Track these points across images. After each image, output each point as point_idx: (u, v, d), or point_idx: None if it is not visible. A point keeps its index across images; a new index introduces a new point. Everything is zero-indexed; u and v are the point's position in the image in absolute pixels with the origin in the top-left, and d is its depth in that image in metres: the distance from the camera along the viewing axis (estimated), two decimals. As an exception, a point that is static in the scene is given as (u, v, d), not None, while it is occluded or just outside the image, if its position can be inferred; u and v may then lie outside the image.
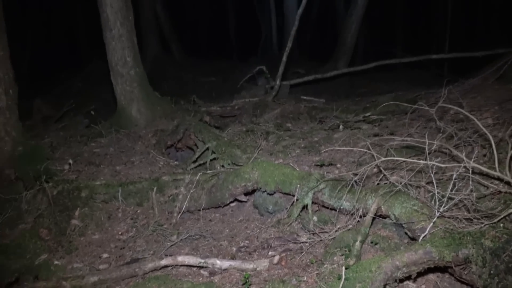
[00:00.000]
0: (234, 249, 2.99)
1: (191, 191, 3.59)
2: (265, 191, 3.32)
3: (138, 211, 3.56)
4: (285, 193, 3.27)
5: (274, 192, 3.31)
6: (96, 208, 3.52)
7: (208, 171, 3.80)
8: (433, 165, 2.38)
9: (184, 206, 3.54)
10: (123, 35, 4.85)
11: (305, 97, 6.90)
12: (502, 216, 2.09)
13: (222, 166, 3.92)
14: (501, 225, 2.07)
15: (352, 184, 2.85)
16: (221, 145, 4.17)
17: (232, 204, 3.67)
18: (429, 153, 2.94)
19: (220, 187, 3.53)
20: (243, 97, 6.27)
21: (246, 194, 3.52)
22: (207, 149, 4.21)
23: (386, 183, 2.83)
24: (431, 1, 15.03)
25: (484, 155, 2.84)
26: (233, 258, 2.85)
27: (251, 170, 3.40)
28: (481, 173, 2.42)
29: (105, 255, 3.01)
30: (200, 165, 4.16)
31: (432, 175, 2.37)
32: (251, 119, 5.38)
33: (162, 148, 4.59)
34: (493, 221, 2.09)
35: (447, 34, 9.07)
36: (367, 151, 2.72)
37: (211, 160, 4.07)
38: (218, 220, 3.51)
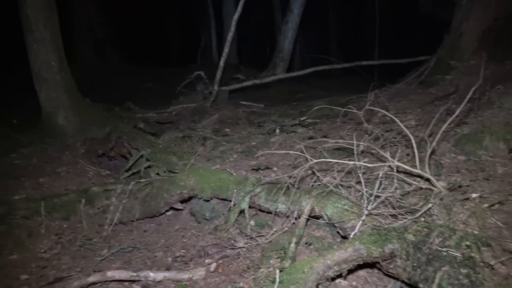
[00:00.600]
0: (170, 259, 2.87)
1: (124, 201, 3.40)
2: (202, 197, 3.24)
3: (64, 225, 3.30)
4: (222, 199, 3.22)
5: (211, 199, 3.25)
6: (15, 225, 3.20)
7: (142, 180, 3.63)
8: (361, 165, 2.48)
9: (116, 218, 3.34)
10: (46, 38, 4.51)
11: (244, 103, 6.93)
12: (422, 211, 2.22)
13: (157, 174, 3.78)
14: (422, 219, 2.20)
15: (288, 187, 2.88)
16: (156, 152, 4.02)
17: (168, 213, 3.54)
18: (358, 154, 3.08)
19: (155, 195, 3.39)
20: (181, 103, 6.14)
21: (182, 201, 3.42)
22: (141, 156, 4.03)
23: (319, 184, 2.90)
24: (361, 12, 15.95)
25: (407, 154, 3.02)
26: (168, 269, 2.73)
27: (187, 177, 3.31)
28: (405, 171, 2.56)
29: (24, 276, 2.74)
30: (134, 173, 3.97)
31: (361, 175, 2.47)
32: (189, 125, 5.27)
33: (92, 157, 4.32)
34: (415, 216, 2.22)
35: (376, 42, 9.66)
36: (301, 154, 2.76)
37: (145, 168, 3.91)
38: (153, 231, 3.36)
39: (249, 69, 11.97)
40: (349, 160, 2.88)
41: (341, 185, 2.61)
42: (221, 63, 5.87)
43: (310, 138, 3.77)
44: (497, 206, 2.20)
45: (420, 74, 4.95)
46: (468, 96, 2.58)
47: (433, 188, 2.37)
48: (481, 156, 2.64)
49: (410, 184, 2.52)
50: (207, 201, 3.27)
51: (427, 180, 2.43)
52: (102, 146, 4.41)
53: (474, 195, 2.29)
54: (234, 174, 3.28)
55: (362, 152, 3.01)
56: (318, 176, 2.87)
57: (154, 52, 15.73)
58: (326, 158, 3.11)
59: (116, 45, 12.47)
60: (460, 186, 2.37)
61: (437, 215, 2.18)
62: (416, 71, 5.10)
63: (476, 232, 2.00)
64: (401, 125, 2.50)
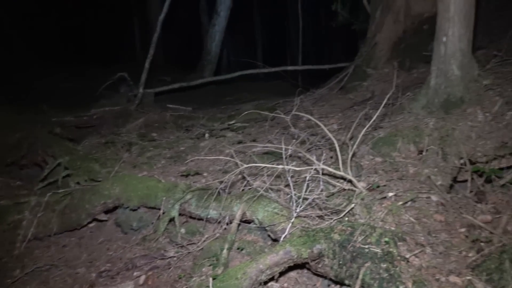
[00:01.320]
0: (94, 275, 2.69)
1: (39, 215, 3.11)
2: (129, 207, 3.09)
3: (-34, 246, 2.91)
4: (151, 207, 3.10)
5: (138, 208, 3.11)
6: None
7: (60, 190, 3.35)
8: (290, 169, 2.56)
9: (30, 233, 3.04)
10: None
11: (171, 106, 6.75)
12: (346, 211, 2.36)
13: (78, 183, 3.51)
14: (346, 219, 2.34)
15: (218, 192, 2.88)
16: (76, 159, 3.73)
17: (90, 225, 3.31)
18: (286, 158, 3.17)
19: (75, 207, 3.15)
20: (102, 106, 5.78)
21: (106, 212, 3.22)
22: (59, 165, 3.71)
23: (250, 189, 2.94)
24: (286, 18, 16.53)
25: (331, 157, 3.20)
26: (92, 286, 2.55)
27: (112, 185, 3.14)
28: (329, 174, 2.70)
29: None
30: (50, 184, 3.64)
31: (289, 178, 2.55)
32: (112, 129, 4.99)
33: (-1, 166, 3.87)
34: (340, 217, 2.35)
35: (299, 48, 10.09)
36: (231, 159, 2.77)
37: (63, 177, 3.60)
38: (74, 245, 3.11)
39: (176, 71, 11.72)
40: (278, 164, 2.97)
41: (271, 189, 2.67)
42: (147, 65, 5.66)
43: (240, 142, 3.80)
44: (409, 203, 2.42)
45: (340, 80, 5.27)
46: (383, 103, 2.81)
47: (355, 188, 2.53)
48: (395, 157, 2.89)
49: (334, 186, 2.67)
50: (134, 210, 3.13)
51: (349, 181, 2.60)
52: (12, 153, 3.97)
53: (390, 194, 2.49)
54: (163, 181, 3.18)
55: (290, 156, 3.11)
56: (248, 181, 2.90)
57: (73, 50, 14.61)
58: (256, 163, 3.17)
59: (27, 38, 11.33)
60: (378, 186, 2.56)
61: (359, 214, 2.33)
62: (337, 77, 5.42)
63: (393, 228, 2.18)
64: (325, 129, 2.63)
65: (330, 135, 2.66)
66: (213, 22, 10.14)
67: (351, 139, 3.09)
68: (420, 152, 2.90)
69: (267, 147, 3.00)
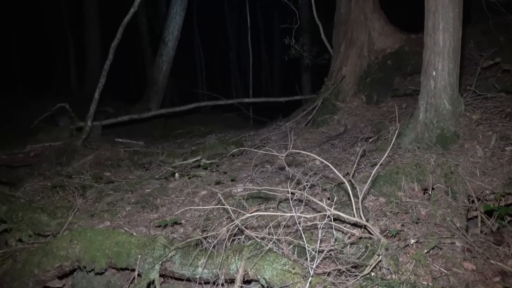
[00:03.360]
0: None
1: (-33, 289, 2.37)
2: (92, 269, 2.48)
3: None
4: (122, 269, 2.52)
5: (105, 270, 2.52)
6: None
7: (-4, 252, 2.63)
8: (301, 217, 2.21)
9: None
10: None
11: (120, 140, 6.10)
12: (372, 265, 2.06)
13: (20, 240, 2.80)
14: (373, 274, 2.02)
15: (209, 247, 2.42)
16: (16, 209, 3.01)
17: (38, 295, 2.61)
18: (282, 202, 2.82)
19: (19, 273, 2.46)
20: (40, 141, 4.99)
21: (61, 277, 2.57)
22: (-8, 217, 2.96)
23: (240, 238, 2.53)
24: (232, 52, 16.56)
25: (328, 198, 2.91)
26: None
27: (70, 243, 2.52)
28: (339, 219, 2.40)
29: None
30: (-21, 243, 2.87)
31: (300, 228, 2.19)
32: (56, 169, 4.26)
33: None
34: (365, 272, 2.03)
35: (250, 82, 10.01)
36: (225, 207, 2.34)
37: (0, 233, 2.87)
38: (16, 325, 2.40)
39: (115, 100, 10.95)
40: (276, 210, 2.62)
41: (278, 241, 2.28)
42: (96, 95, 5.03)
43: (218, 183, 3.37)
44: (433, 250, 2.19)
45: (308, 113, 5.12)
46: (392, 141, 2.59)
47: (371, 236, 2.25)
48: (400, 197, 2.68)
49: (344, 233, 2.37)
50: (101, 274, 2.52)
51: (363, 227, 2.31)
52: None
53: (412, 241, 2.24)
54: (135, 235, 2.63)
55: (285, 200, 2.76)
56: (246, 234, 2.48)
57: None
58: (245, 208, 2.77)
59: None
60: (397, 232, 2.31)
61: (387, 268, 2.03)
62: (304, 110, 5.27)
63: (430, 283, 1.91)
64: (335, 171, 2.34)
65: (339, 174, 2.38)
66: (160, 52, 9.67)
67: (348, 177, 2.84)
68: (425, 190, 2.74)
69: (262, 189, 2.62)
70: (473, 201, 2.58)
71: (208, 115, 10.63)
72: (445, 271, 2.04)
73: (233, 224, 2.27)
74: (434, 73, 3.05)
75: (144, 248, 2.47)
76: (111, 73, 5.23)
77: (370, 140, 3.81)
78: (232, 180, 3.44)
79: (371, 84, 4.94)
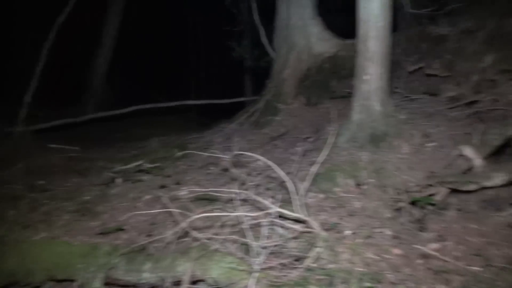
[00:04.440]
0: None
1: None
2: (29, 284, 2.35)
3: None
4: (61, 280, 2.42)
5: (44, 283, 2.40)
6: None
7: None
8: (245, 215, 2.29)
9: None
10: None
11: (54, 146, 5.76)
12: (312, 257, 2.19)
13: None
14: (315, 265, 2.16)
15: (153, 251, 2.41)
16: None
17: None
18: (226, 203, 2.88)
19: None
20: (-38, 150, 4.57)
21: (-6, 294, 2.40)
22: None
23: (187, 241, 2.55)
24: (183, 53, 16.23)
25: (272, 197, 3.02)
26: None
27: (1, 257, 2.37)
28: (282, 217, 2.51)
29: None
30: None
31: (246, 226, 2.27)
32: (-19, 178, 3.94)
33: None
34: (306, 264, 2.16)
35: (192, 83, 9.95)
36: (173, 210, 2.35)
37: None
38: None
39: (46, 105, 10.29)
40: (222, 211, 2.67)
41: (223, 240, 2.34)
42: (28, 99, 4.73)
43: (163, 186, 3.35)
44: (367, 240, 2.38)
45: (251, 115, 5.24)
46: (329, 141, 2.77)
47: (312, 230, 2.39)
48: (337, 193, 2.87)
49: (287, 229, 2.49)
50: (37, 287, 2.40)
51: (303, 222, 2.45)
52: None
53: (348, 232, 2.42)
54: (76, 243, 2.54)
55: (231, 200, 2.83)
56: (193, 235, 2.50)
57: None
58: (192, 210, 2.79)
59: None
60: (335, 225, 2.47)
61: (326, 259, 2.18)
62: (247, 112, 5.38)
63: (364, 270, 2.09)
64: (278, 170, 2.46)
65: (282, 174, 2.50)
66: (96, 53, 9.29)
67: (290, 175, 2.98)
68: (359, 185, 2.95)
69: (208, 191, 2.67)
70: (400, 193, 2.83)
71: (152, 118, 10.37)
72: (377, 257, 2.23)
73: (179, 227, 2.30)
74: (366, 78, 3.30)
75: (86, 257, 2.40)
76: (50, 75, 4.94)
77: (310, 140, 4.01)
78: (177, 183, 3.43)
79: (310, 87, 5.18)
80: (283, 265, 2.21)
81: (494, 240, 2.32)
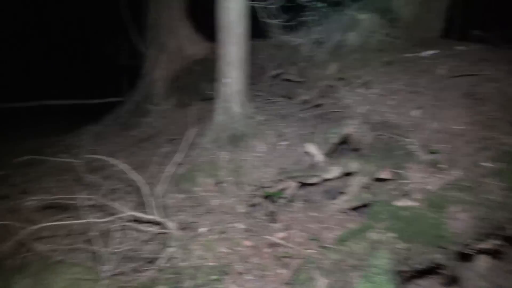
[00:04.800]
0: None
1: None
2: None
3: None
4: None
5: None
6: None
7: None
8: (93, 222, 2.19)
9: None
10: None
11: None
12: (165, 257, 2.21)
13: None
14: (168, 265, 2.18)
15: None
16: None
17: None
18: (76, 210, 2.71)
19: None
20: None
21: None
22: None
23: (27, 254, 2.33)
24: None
25: (131, 201, 2.95)
26: None
27: None
28: (136, 220, 2.47)
29: None
30: None
31: (94, 233, 2.17)
32: None
33: None
34: (158, 265, 2.17)
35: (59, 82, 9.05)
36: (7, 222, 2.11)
37: None
38: None
39: None
40: (72, 219, 2.51)
41: (69, 250, 2.20)
42: None
43: (5, 197, 2.98)
44: (221, 235, 2.50)
45: (119, 116, 5.01)
46: (187, 142, 2.82)
47: (167, 231, 2.41)
48: (197, 192, 2.95)
49: (143, 232, 2.46)
50: None
51: (159, 224, 2.46)
52: None
53: (202, 230, 2.51)
54: None
55: (82, 207, 2.67)
56: (29, 246, 2.29)
57: None
58: (36, 221, 2.56)
59: None
60: (190, 224, 2.53)
61: (179, 257, 2.22)
62: (113, 114, 5.13)
63: (215, 264, 2.19)
64: (132, 174, 2.41)
65: (136, 177, 2.46)
66: None
67: (152, 178, 2.96)
68: (218, 184, 3.07)
69: (56, 199, 2.47)
70: (255, 189, 3.04)
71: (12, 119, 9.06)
72: (229, 250, 2.36)
73: (14, 240, 2.08)
74: (226, 81, 3.45)
75: None
76: None
77: (176, 141, 4.02)
78: (23, 193, 3.09)
79: (181, 88, 5.19)
80: (134, 269, 2.18)
81: (328, 225, 2.67)
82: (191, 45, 5.34)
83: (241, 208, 2.81)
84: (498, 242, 2.21)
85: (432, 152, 2.61)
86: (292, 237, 2.63)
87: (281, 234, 2.68)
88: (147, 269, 2.13)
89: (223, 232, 2.52)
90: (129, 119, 4.92)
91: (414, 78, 3.55)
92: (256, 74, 5.08)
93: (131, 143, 4.38)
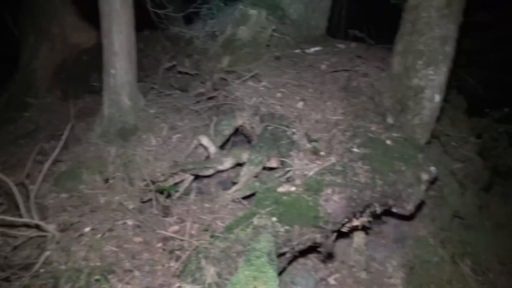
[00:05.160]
0: None
1: None
2: None
3: None
4: None
5: None
6: None
7: None
8: None
9: None
10: None
11: None
12: (40, 262, 2.04)
13: None
14: (43, 270, 2.01)
15: None
16: None
17: None
18: None
19: None
20: None
21: None
22: None
23: None
24: None
25: (1, 204, 2.64)
26: None
27: None
28: (6, 224, 2.23)
29: None
30: None
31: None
32: None
33: None
34: (33, 270, 1.99)
35: None
36: None
37: None
38: None
39: None
40: None
41: None
42: None
43: None
44: (108, 233, 2.39)
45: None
46: (64, 136, 2.62)
47: (45, 233, 2.22)
48: (82, 190, 2.76)
49: (16, 238, 2.23)
50: None
51: (36, 226, 2.26)
52: None
53: (87, 229, 2.36)
54: None
55: None
56: None
57: None
58: None
59: None
60: (71, 224, 2.37)
61: (57, 261, 2.07)
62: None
63: (99, 264, 2.09)
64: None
65: (5, 179, 2.20)
66: None
67: (27, 178, 2.68)
68: (107, 180, 2.92)
69: None
70: (148, 184, 2.97)
71: None
72: (115, 249, 2.27)
73: None
74: (113, 71, 3.28)
75: None
76: None
77: (59, 137, 3.70)
78: None
79: (66, 80, 4.77)
80: (5, 278, 1.97)
81: (220, 215, 2.73)
82: (77, 33, 4.93)
83: (132, 204, 2.72)
84: (368, 219, 2.51)
85: (312, 141, 2.84)
86: (186, 230, 2.64)
87: (174, 228, 2.66)
88: (19, 277, 1.94)
89: (110, 230, 2.41)
90: (4, 113, 4.36)
91: (300, 72, 3.81)
92: (150, 66, 4.93)
93: (8, 141, 3.90)
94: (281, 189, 2.33)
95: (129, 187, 2.84)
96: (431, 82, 3.18)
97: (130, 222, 2.53)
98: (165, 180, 3.04)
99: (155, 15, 4.04)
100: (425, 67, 3.17)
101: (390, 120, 3.17)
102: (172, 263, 2.27)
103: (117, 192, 2.76)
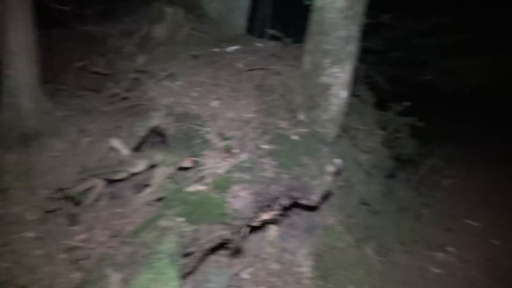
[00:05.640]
0: None
1: None
2: None
3: None
4: None
5: None
6: None
7: None
8: None
9: None
10: None
11: None
12: None
13: None
14: None
15: None
16: None
17: None
18: None
19: None
20: None
21: None
22: None
23: None
24: None
25: None
26: None
27: None
28: None
29: None
30: None
31: None
32: None
33: None
34: None
35: None
36: None
37: None
38: None
39: None
40: None
41: None
42: None
43: None
44: (3, 249, 2.21)
45: None
46: None
47: None
48: (-26, 204, 2.52)
49: None
50: None
51: None
52: None
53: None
54: None
55: None
56: None
57: None
58: None
59: None
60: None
61: None
62: None
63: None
64: None
65: None
66: None
67: None
68: (2, 191, 2.69)
69: None
70: (53, 192, 2.79)
71: None
72: (12, 264, 2.11)
73: None
74: (10, 73, 3.02)
75: None
76: None
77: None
78: None
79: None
80: None
81: (132, 219, 2.66)
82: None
83: (32, 215, 2.54)
84: (277, 212, 2.60)
85: (225, 139, 2.87)
86: (94, 237, 2.53)
87: (81, 236, 2.54)
88: None
89: (5, 245, 2.23)
90: None
91: (217, 71, 3.82)
92: (59, 66, 4.61)
93: None
94: (189, 189, 2.32)
95: (30, 197, 2.65)
96: (337, 80, 3.37)
97: (29, 235, 2.36)
98: (72, 187, 2.88)
99: (59, 12, 3.79)
100: (332, 66, 3.35)
101: (301, 116, 3.30)
102: (76, 274, 2.17)
103: (15, 203, 2.56)
